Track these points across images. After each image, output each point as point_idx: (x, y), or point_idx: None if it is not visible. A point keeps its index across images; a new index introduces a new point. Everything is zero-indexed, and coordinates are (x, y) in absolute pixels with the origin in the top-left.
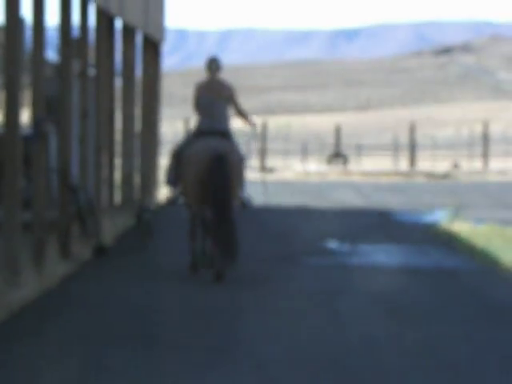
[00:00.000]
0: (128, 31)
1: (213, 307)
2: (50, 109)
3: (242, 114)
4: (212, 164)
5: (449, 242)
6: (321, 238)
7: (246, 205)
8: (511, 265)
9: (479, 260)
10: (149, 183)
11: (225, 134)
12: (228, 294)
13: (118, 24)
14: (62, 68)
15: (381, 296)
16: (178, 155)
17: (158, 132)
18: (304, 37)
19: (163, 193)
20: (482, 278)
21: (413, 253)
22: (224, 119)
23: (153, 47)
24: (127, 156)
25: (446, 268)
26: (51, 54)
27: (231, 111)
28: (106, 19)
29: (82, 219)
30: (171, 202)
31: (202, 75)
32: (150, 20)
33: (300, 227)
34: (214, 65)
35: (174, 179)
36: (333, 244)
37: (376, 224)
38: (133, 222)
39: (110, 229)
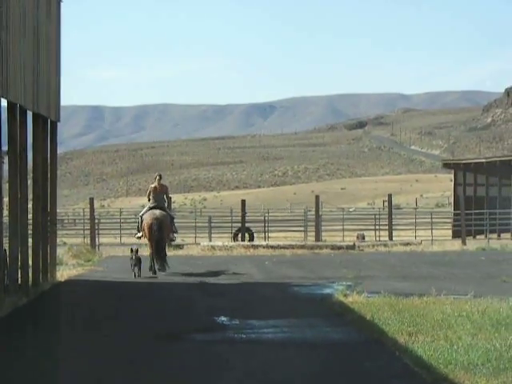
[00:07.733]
0: (13, 110)
1: None
2: None
3: (168, 200)
4: (152, 221)
5: (340, 314)
6: (212, 314)
7: (172, 240)
8: (395, 336)
9: (365, 332)
10: (44, 263)
11: (162, 208)
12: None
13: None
14: None
15: (256, 370)
16: (141, 217)
17: (54, 212)
18: (219, 112)
19: (65, 273)
20: (363, 350)
21: (301, 326)
22: (162, 202)
23: (45, 126)
24: (15, 237)
25: (330, 340)
26: None
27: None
28: None
29: None
30: (139, 237)
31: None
32: (41, 99)
33: (193, 302)
34: (158, 176)
35: (139, 228)
36: (223, 319)
37: (271, 298)
38: (23, 302)
39: None
